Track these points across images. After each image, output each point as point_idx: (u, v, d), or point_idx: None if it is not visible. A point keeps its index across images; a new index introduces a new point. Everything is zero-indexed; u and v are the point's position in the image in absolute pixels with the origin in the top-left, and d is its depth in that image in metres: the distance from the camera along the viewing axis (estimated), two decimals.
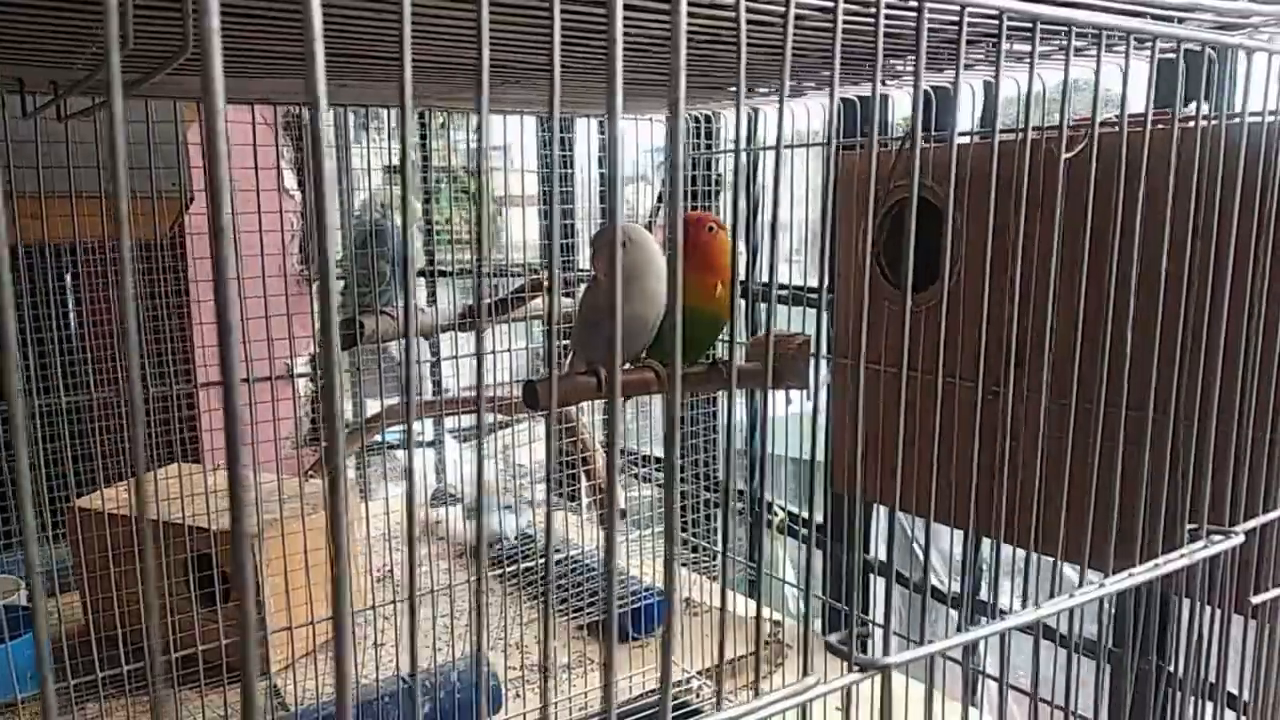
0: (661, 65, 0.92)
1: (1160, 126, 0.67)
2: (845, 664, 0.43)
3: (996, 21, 0.59)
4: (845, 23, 0.53)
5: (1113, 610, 1.05)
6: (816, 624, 1.52)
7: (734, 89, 1.14)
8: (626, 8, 0.67)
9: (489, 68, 0.36)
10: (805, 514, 1.69)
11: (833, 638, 0.44)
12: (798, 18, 0.51)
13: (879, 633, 1.29)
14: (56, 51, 0.78)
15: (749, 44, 0.85)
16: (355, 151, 2.20)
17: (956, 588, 1.52)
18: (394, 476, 2.34)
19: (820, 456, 1.11)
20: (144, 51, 0.71)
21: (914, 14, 0.56)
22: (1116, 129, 0.59)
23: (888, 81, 1.01)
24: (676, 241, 0.49)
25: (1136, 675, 0.82)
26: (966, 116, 1.06)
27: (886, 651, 0.44)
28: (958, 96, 0.57)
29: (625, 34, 0.74)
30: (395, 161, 2.39)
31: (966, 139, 0.94)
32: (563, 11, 0.69)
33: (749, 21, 0.72)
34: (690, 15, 0.67)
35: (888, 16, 0.56)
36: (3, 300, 0.29)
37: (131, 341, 0.30)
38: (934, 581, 1.65)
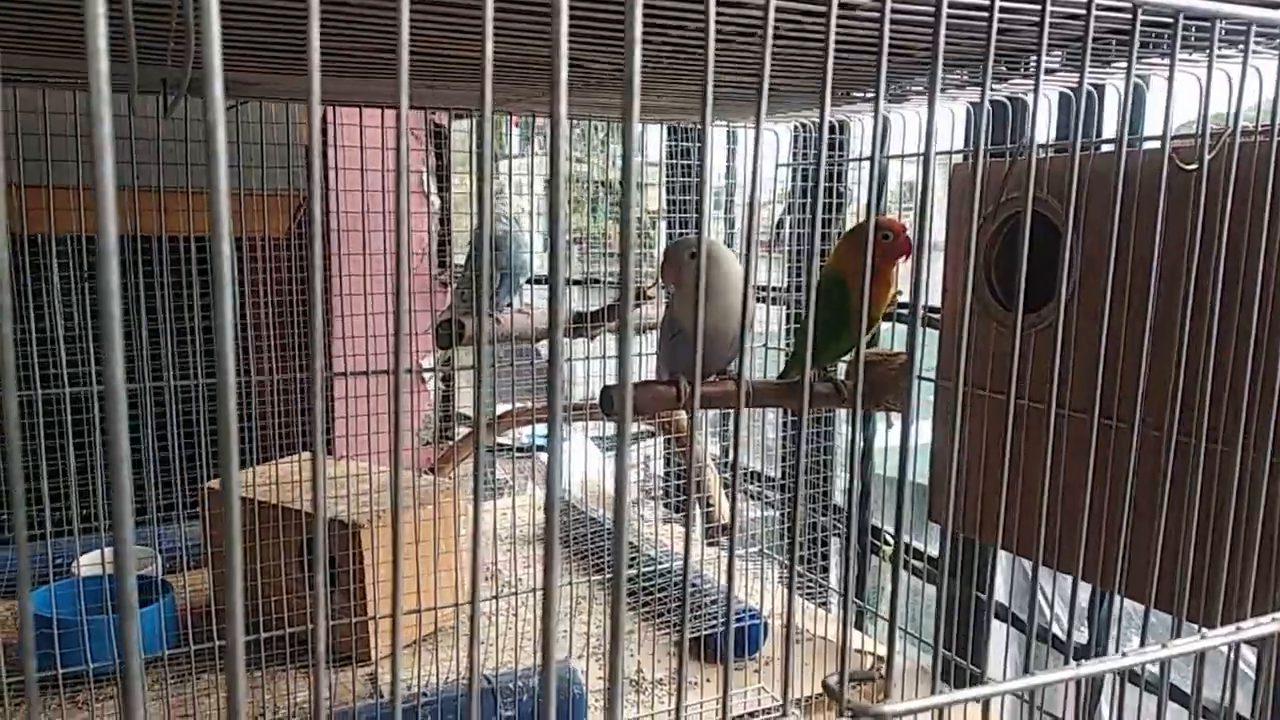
0: (788, 68, 0.89)
1: None
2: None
3: (1130, 18, 0.53)
4: (950, 19, 0.49)
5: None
6: (926, 659, 1.44)
7: (860, 93, 1.10)
8: (725, 4, 0.65)
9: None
10: (916, 545, 1.61)
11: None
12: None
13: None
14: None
15: (875, 44, 0.81)
16: (520, 163, 2.26)
17: (1078, 635, 1.40)
18: (522, 477, 2.38)
19: (920, 483, 1.05)
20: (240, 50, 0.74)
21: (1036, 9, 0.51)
22: (1252, 138, 0.52)
23: (998, 86, 0.94)
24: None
25: None
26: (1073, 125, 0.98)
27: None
28: (1080, 101, 0.52)
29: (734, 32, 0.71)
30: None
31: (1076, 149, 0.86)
32: (670, 12, 0.67)
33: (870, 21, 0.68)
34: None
35: (1004, 12, 0.52)
36: (223, 292, 0.29)
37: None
38: (1049, 627, 1.54)
